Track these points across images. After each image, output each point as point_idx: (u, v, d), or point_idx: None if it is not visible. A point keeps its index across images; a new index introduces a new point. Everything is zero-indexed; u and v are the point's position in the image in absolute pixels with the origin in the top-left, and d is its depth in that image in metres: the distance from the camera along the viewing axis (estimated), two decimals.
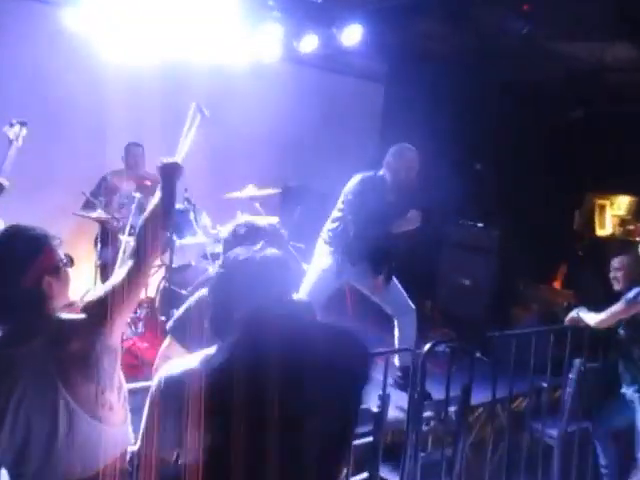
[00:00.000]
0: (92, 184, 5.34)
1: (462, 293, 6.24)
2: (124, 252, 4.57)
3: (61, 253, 1.95)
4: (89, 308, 1.90)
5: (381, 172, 4.16)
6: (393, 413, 3.46)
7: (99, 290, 1.98)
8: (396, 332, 4.28)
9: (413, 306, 4.28)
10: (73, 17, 4.95)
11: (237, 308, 1.59)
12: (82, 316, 1.88)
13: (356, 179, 4.16)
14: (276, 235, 2.38)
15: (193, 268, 4.98)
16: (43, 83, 5.25)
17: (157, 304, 4.84)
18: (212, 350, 1.64)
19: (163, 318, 4.62)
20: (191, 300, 2.48)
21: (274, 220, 4.73)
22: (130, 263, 1.95)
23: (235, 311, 1.59)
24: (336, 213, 4.30)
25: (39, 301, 1.86)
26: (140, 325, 4.79)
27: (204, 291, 2.43)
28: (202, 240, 4.88)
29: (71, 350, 1.80)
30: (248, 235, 2.30)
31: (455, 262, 6.47)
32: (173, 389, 1.59)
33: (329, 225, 4.35)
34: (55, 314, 1.89)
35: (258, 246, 1.72)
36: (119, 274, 1.96)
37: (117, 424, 1.90)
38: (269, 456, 1.43)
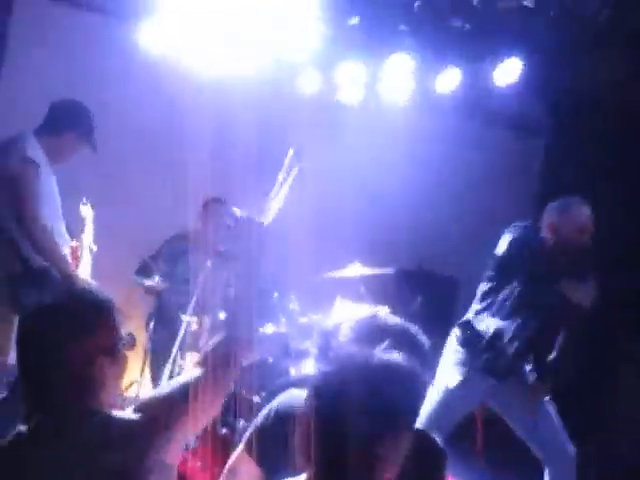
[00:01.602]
0: (155, 246, 5.53)
1: None
2: (183, 337, 4.63)
3: (122, 330, 1.99)
4: (146, 409, 1.90)
5: (539, 235, 4.06)
6: None
7: (162, 389, 2.01)
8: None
9: (573, 451, 4.04)
10: (149, 33, 5.28)
11: (339, 431, 1.57)
12: (136, 418, 1.87)
13: (513, 232, 4.05)
14: (407, 338, 2.31)
15: (270, 367, 4.94)
16: (114, 113, 5.55)
17: (219, 412, 4.81)
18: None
19: (225, 431, 4.59)
20: (272, 407, 2.46)
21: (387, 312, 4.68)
22: (198, 373, 1.97)
23: (333, 435, 1.58)
24: (482, 289, 4.18)
25: (85, 389, 1.87)
26: (194, 439, 4.77)
27: (291, 395, 2.43)
28: (285, 331, 4.86)
29: (115, 460, 1.79)
30: (372, 338, 2.23)
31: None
32: None
33: (469, 315, 4.22)
34: (102, 409, 1.90)
35: (382, 346, 1.70)
36: (191, 374, 1.96)
37: None
38: None
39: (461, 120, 7.07)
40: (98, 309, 1.94)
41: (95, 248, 4.37)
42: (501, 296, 4.06)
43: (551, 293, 3.92)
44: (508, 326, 4.03)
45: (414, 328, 2.42)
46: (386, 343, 1.73)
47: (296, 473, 1.68)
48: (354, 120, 5.95)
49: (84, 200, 4.53)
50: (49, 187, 4.03)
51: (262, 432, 2.43)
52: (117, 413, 1.89)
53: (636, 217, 6.22)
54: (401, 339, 2.21)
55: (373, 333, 2.26)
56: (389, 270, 5.57)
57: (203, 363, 2.00)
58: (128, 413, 1.89)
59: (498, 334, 4.03)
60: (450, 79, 5.76)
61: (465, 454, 5.29)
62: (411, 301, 5.83)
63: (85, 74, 5.50)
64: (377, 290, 5.49)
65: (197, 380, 1.95)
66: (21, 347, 1.90)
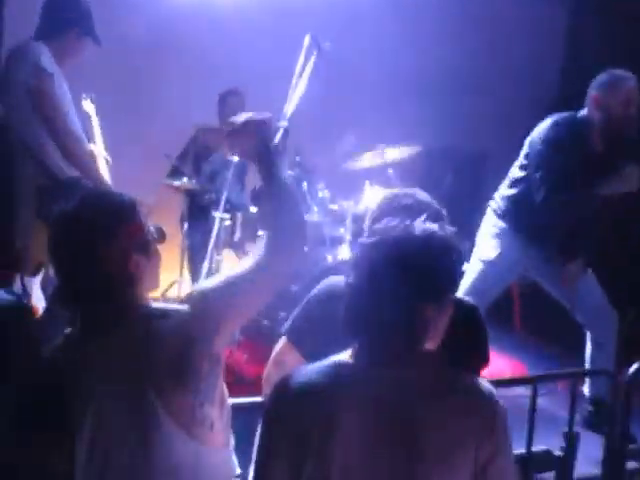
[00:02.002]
0: (180, 146, 5.50)
1: None
2: (218, 233, 4.67)
3: (150, 225, 1.98)
4: (194, 300, 1.91)
5: (583, 113, 3.99)
6: (582, 462, 3.31)
7: (213, 280, 2.00)
8: (588, 349, 4.09)
9: (615, 313, 4.07)
10: None
11: (385, 301, 1.60)
12: (184, 309, 1.90)
13: (547, 122, 3.99)
14: (439, 215, 2.31)
15: (306, 256, 4.97)
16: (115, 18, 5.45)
17: None
18: (344, 357, 1.69)
19: (266, 322, 4.68)
20: (312, 293, 2.49)
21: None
22: (261, 255, 1.94)
23: (382, 304, 1.61)
24: (516, 172, 4.14)
25: (124, 288, 1.89)
26: (238, 332, 4.86)
27: (332, 280, 2.44)
28: (318, 219, 4.86)
29: (166, 349, 1.83)
30: (410, 210, 2.22)
31: None
32: (295, 407, 1.66)
33: (504, 191, 4.20)
34: (145, 303, 1.92)
35: (420, 220, 1.70)
36: (244, 265, 1.96)
37: (219, 447, 1.91)
38: None
39: None
40: (122, 208, 1.93)
41: (110, 159, 4.35)
42: (541, 176, 3.96)
43: (588, 194, 3.89)
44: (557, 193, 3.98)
45: (435, 203, 2.43)
46: (420, 217, 1.73)
47: (338, 351, 1.72)
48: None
49: (84, 96, 4.44)
50: (65, 94, 3.98)
51: (304, 320, 2.47)
52: (164, 304, 1.93)
53: None
54: (432, 213, 2.21)
55: (404, 209, 2.27)
56: (417, 148, 5.52)
57: (267, 245, 1.95)
58: (177, 306, 1.91)
59: (536, 209, 4.00)
60: None
61: (504, 327, 5.35)
62: (441, 180, 5.81)
63: None
64: (405, 172, 5.46)
65: (259, 262, 1.93)
66: (54, 254, 1.91)
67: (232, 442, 2.00)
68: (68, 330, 1.94)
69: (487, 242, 4.21)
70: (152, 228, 1.99)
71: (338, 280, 2.40)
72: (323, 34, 4.51)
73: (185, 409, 1.82)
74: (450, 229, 1.74)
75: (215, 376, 1.90)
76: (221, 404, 1.93)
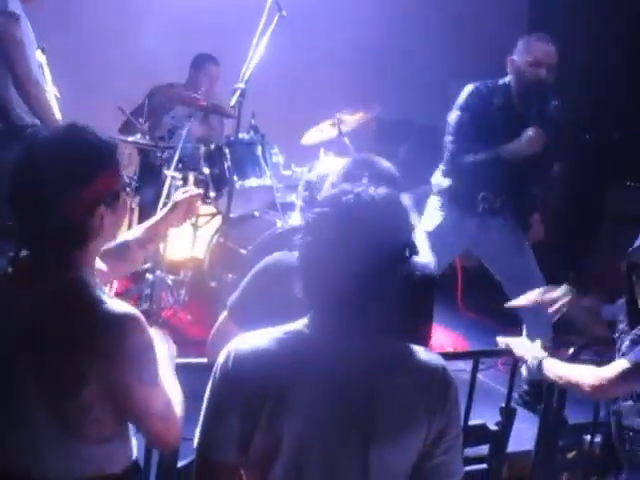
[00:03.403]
0: (136, 101, 5.40)
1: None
2: (169, 192, 4.62)
3: (125, 175, 1.90)
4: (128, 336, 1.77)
5: (506, 78, 4.08)
6: (516, 439, 3.37)
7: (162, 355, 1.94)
8: (524, 329, 4.15)
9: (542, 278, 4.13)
10: None
11: (336, 270, 1.60)
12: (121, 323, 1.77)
13: (467, 89, 4.08)
14: (394, 180, 2.32)
15: (256, 220, 4.94)
16: None
17: (206, 265, 4.85)
18: (297, 326, 1.69)
19: (214, 284, 4.65)
20: (256, 270, 2.46)
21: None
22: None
23: (333, 274, 1.60)
24: (448, 146, 4.19)
25: (80, 239, 1.80)
26: (183, 292, 4.84)
27: (277, 256, 2.42)
28: (271, 184, 4.82)
29: (72, 333, 1.73)
30: (367, 176, 2.21)
31: (619, 238, 6.15)
32: (247, 370, 1.65)
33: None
34: (88, 266, 1.85)
35: (365, 182, 1.73)
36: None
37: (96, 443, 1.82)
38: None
39: None
40: (101, 152, 1.82)
41: (59, 95, 4.25)
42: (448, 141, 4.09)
43: (490, 156, 3.97)
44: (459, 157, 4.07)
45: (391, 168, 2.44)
46: (366, 180, 1.75)
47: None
48: None
49: (35, 44, 4.23)
50: (30, 39, 3.88)
51: (246, 298, 2.44)
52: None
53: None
54: (387, 178, 2.22)
55: (354, 172, 2.29)
56: (372, 112, 5.49)
57: None
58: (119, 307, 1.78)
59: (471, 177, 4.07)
60: None
61: (446, 301, 5.39)
62: (395, 151, 5.80)
63: None
64: (360, 142, 5.44)
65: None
66: (15, 191, 1.79)
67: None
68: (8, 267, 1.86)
69: (431, 214, 4.28)
70: (126, 178, 1.91)
71: (282, 256, 2.40)
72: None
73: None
74: (403, 195, 1.75)
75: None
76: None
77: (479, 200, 4.13)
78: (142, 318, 1.77)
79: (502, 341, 3.01)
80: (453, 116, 4.07)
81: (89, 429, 1.76)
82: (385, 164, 2.46)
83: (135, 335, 1.74)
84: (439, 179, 4.27)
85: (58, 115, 4.04)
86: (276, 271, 2.35)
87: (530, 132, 3.94)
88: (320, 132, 5.32)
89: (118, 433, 1.84)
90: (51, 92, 4.17)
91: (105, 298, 1.76)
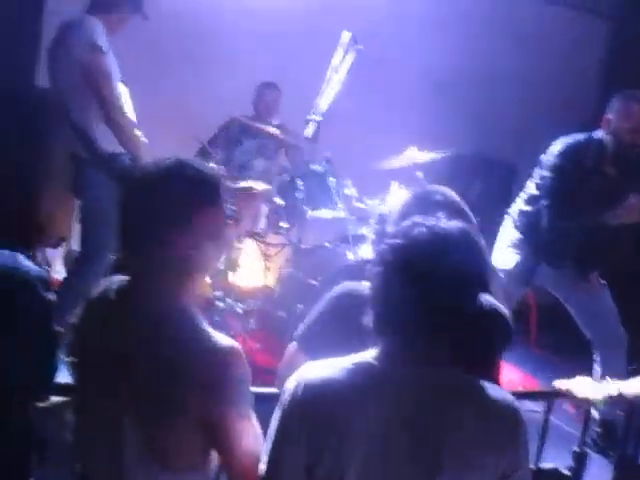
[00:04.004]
0: (211, 131, 5.51)
1: None
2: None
3: (227, 207, 1.95)
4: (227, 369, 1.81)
5: (598, 134, 3.94)
6: None
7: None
8: (596, 369, 4.05)
9: (625, 336, 4.03)
10: None
11: (409, 302, 1.58)
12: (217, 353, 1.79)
13: (557, 147, 3.98)
14: (466, 214, 2.28)
15: (327, 252, 4.95)
16: None
17: (276, 295, 4.89)
18: (366, 356, 1.68)
19: (283, 314, 4.67)
20: (326, 299, 2.45)
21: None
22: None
23: (408, 302, 1.59)
24: (532, 189, 4.15)
25: (183, 273, 1.81)
26: (253, 320, 4.87)
27: (349, 285, 2.41)
28: (343, 215, 4.84)
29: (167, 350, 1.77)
30: (438, 207, 2.18)
31: None
32: (316, 397, 1.64)
33: (520, 205, 4.22)
34: (191, 301, 1.85)
35: (442, 216, 1.70)
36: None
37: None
38: None
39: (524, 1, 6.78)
40: (207, 186, 1.83)
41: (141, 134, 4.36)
42: (548, 205, 3.99)
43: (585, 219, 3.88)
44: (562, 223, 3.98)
45: (462, 202, 2.40)
46: (441, 214, 1.72)
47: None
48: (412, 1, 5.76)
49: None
50: (116, 71, 4.01)
51: (315, 326, 2.43)
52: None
53: None
54: (458, 211, 2.19)
55: (433, 206, 2.21)
56: (447, 152, 5.48)
57: None
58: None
59: (552, 229, 4.00)
60: None
61: (519, 339, 5.29)
62: (469, 187, 5.76)
63: None
64: (434, 176, 5.42)
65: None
66: (125, 224, 1.83)
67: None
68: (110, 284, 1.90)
69: (504, 251, 4.21)
70: (229, 210, 1.94)
71: (354, 286, 2.38)
72: (362, 32, 4.50)
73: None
74: (474, 227, 1.73)
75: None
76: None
77: (584, 272, 4.06)
78: (242, 352, 1.78)
79: (561, 385, 2.78)
80: (548, 177, 3.97)
81: (178, 459, 1.76)
82: (456, 197, 2.43)
83: (236, 368, 1.76)
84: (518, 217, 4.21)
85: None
86: (347, 300, 2.33)
87: (634, 199, 3.82)
88: (394, 163, 5.31)
89: (204, 462, 1.84)
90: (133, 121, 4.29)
91: (209, 330, 1.78)
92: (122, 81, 4.44)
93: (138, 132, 4.16)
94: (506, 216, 4.32)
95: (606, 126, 3.91)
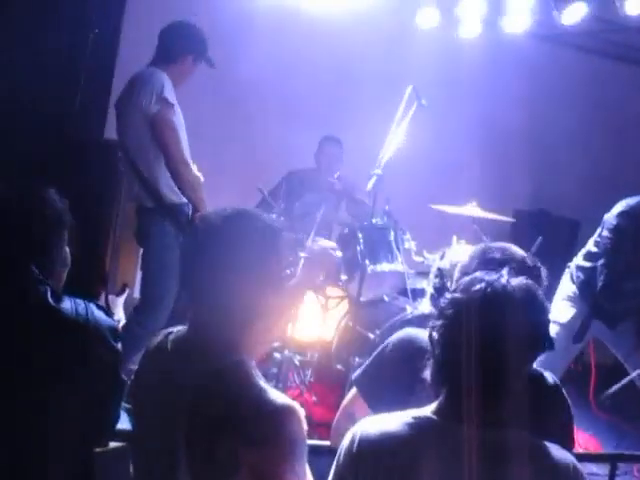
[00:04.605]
0: (272, 182, 5.57)
1: None
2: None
3: (290, 256, 1.98)
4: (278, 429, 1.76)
5: None
6: None
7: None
8: None
9: None
10: None
11: (471, 355, 1.58)
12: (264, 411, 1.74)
13: (620, 207, 3.94)
14: (534, 271, 2.25)
15: (386, 305, 4.95)
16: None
17: (333, 347, 4.88)
18: (425, 411, 1.67)
19: (340, 367, 4.65)
20: (386, 344, 2.44)
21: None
22: None
23: (467, 358, 1.59)
24: (591, 246, 4.13)
25: (243, 325, 1.81)
26: (309, 372, 4.85)
27: (410, 332, 2.40)
28: (402, 269, 4.83)
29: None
30: (501, 264, 2.16)
31: None
32: (373, 452, 1.62)
33: (580, 261, 4.17)
34: (248, 354, 1.84)
35: (504, 273, 1.69)
36: None
37: None
38: None
39: (585, 56, 6.77)
40: (270, 237, 1.85)
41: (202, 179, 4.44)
42: (604, 264, 3.96)
43: None
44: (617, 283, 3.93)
45: (531, 257, 2.36)
46: (505, 270, 1.71)
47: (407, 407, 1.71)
48: (473, 55, 5.79)
49: None
50: (181, 123, 4.09)
51: (375, 370, 2.42)
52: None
53: None
54: (523, 267, 2.17)
55: (495, 262, 2.21)
56: (508, 219, 5.47)
57: None
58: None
59: (609, 285, 3.94)
60: (576, 11, 5.48)
61: (578, 401, 5.17)
62: (530, 242, 5.70)
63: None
64: (495, 231, 5.38)
65: None
66: (187, 275, 1.86)
67: None
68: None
69: (561, 304, 4.18)
70: (291, 260, 1.95)
71: (414, 333, 2.37)
72: (424, 86, 4.53)
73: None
74: (536, 284, 1.71)
75: None
76: None
77: None
78: (300, 411, 1.75)
79: None
80: (609, 236, 3.94)
81: None
82: (520, 253, 2.40)
83: (292, 427, 1.71)
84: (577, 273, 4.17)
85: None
86: (408, 346, 2.32)
87: None
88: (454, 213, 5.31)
89: None
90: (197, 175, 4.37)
91: (266, 386, 1.75)
92: None
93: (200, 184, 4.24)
94: (566, 269, 4.29)
95: None
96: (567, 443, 2.29)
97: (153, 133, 3.94)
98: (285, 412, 1.72)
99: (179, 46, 4.15)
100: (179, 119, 4.05)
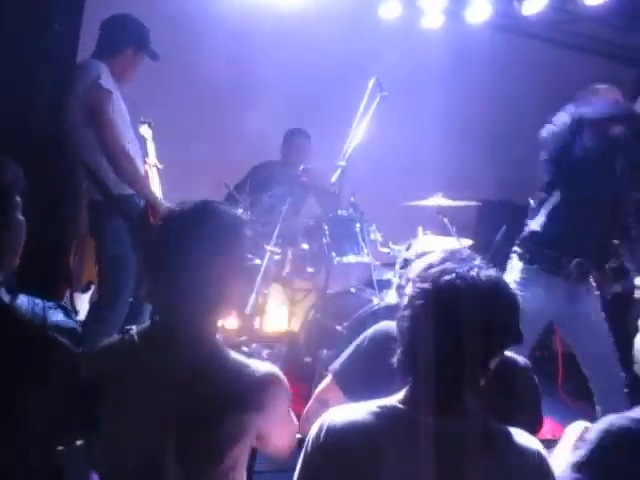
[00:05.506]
0: (239, 176, 5.56)
1: None
2: (267, 266, 4.66)
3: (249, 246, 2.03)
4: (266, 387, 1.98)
5: None
6: None
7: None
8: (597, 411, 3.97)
9: (622, 375, 3.88)
10: None
11: (438, 345, 1.60)
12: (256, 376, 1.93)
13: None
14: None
15: (353, 297, 4.95)
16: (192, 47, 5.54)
17: (301, 340, 4.87)
18: (392, 400, 1.68)
19: (308, 359, 4.65)
20: (365, 336, 2.46)
21: (468, 244, 4.61)
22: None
23: (434, 348, 1.60)
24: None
25: (212, 308, 1.91)
26: (278, 366, 4.83)
27: (387, 324, 2.41)
28: (368, 261, 4.84)
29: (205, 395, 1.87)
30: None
31: None
32: (341, 441, 1.64)
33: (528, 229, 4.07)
34: (216, 333, 1.94)
35: (475, 265, 1.68)
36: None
37: None
38: None
39: (544, 47, 6.82)
40: (235, 227, 1.94)
41: (161, 166, 4.41)
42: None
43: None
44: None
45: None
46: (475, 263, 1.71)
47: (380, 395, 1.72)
48: (436, 46, 5.81)
49: (142, 119, 4.55)
50: (121, 113, 4.04)
51: (353, 362, 2.44)
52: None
53: None
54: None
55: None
56: (474, 203, 5.48)
57: None
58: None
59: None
60: (536, 0, 5.52)
61: (545, 389, 5.22)
62: (495, 231, 5.73)
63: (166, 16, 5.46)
64: (460, 221, 5.41)
65: None
66: (163, 253, 1.92)
67: None
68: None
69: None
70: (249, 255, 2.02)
71: (391, 326, 2.36)
72: (389, 79, 4.54)
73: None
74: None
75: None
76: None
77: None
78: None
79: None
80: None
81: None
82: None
83: (285, 386, 1.99)
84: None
85: (157, 187, 4.18)
86: (384, 338, 2.32)
87: None
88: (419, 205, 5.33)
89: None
90: (153, 164, 4.33)
91: (247, 359, 1.92)
92: (147, 122, 4.52)
93: (155, 175, 4.21)
94: (513, 252, 4.09)
95: None
96: (536, 423, 2.33)
97: (89, 120, 3.90)
98: (277, 376, 1.96)
99: (117, 38, 4.12)
100: (119, 108, 4.00)
